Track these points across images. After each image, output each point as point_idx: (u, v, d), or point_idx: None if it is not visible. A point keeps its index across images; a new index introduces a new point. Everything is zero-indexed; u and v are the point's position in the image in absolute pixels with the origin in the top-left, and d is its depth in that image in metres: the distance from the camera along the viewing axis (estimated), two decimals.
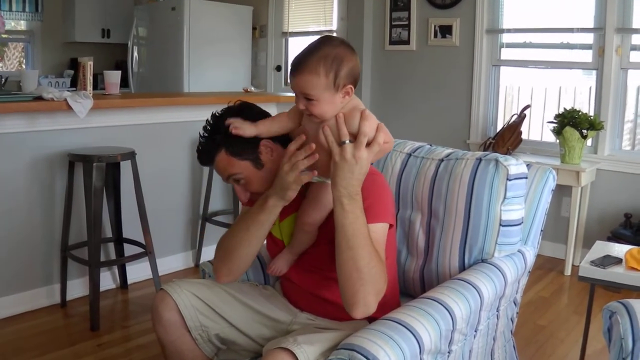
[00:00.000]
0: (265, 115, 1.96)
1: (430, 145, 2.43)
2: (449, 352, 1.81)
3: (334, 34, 6.29)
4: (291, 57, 6.81)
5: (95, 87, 3.81)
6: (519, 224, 2.18)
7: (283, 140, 1.92)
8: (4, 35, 7.43)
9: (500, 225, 2.12)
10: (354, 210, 1.68)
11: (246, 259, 1.96)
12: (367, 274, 1.68)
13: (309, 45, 1.70)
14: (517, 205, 2.15)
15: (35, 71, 3.85)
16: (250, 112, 1.94)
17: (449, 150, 2.33)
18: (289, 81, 1.70)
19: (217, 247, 2.01)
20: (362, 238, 1.69)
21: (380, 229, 1.84)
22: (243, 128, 1.81)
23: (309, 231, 1.94)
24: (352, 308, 1.71)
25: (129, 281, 4.03)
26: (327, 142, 1.65)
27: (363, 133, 1.64)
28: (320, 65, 1.65)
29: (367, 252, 1.69)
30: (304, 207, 1.93)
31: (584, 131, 4.33)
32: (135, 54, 6.92)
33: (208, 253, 4.42)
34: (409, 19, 5.58)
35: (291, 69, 1.69)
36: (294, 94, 1.73)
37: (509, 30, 5.11)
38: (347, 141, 1.64)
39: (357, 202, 1.69)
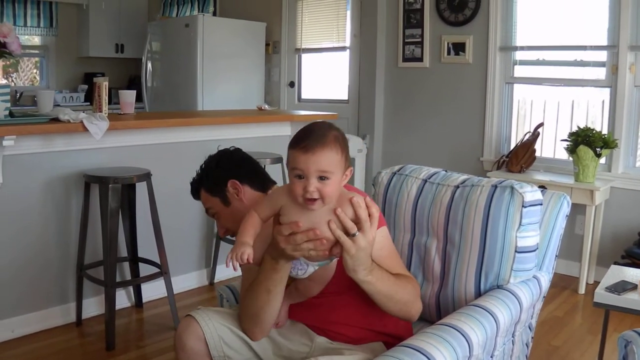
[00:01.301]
0: (245, 159, 2.31)
1: (446, 171, 2.44)
2: None
3: (347, 51, 6.35)
4: (305, 73, 6.84)
5: (109, 102, 3.84)
6: (534, 250, 2.18)
7: (253, 181, 2.21)
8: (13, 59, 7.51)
9: (516, 251, 2.13)
10: (377, 276, 1.77)
11: (274, 314, 1.94)
12: (412, 300, 1.91)
13: (312, 127, 1.68)
14: (532, 232, 2.16)
15: (51, 92, 3.88)
16: (231, 158, 2.30)
17: (465, 177, 2.34)
18: (296, 160, 1.63)
19: (242, 312, 1.99)
20: (395, 287, 1.84)
21: (382, 237, 1.87)
22: (246, 254, 1.70)
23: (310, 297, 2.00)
24: (411, 321, 2.01)
25: (144, 299, 4.06)
26: (336, 236, 1.65)
27: (365, 220, 1.66)
28: (338, 143, 1.65)
29: (404, 291, 1.87)
30: (306, 284, 1.93)
31: (598, 149, 4.32)
32: (149, 68, 6.97)
33: (222, 271, 4.44)
34: (422, 36, 5.61)
35: (306, 147, 1.61)
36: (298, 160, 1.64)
37: (522, 48, 5.13)
38: (357, 233, 1.65)
39: (375, 268, 1.77)
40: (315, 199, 1.61)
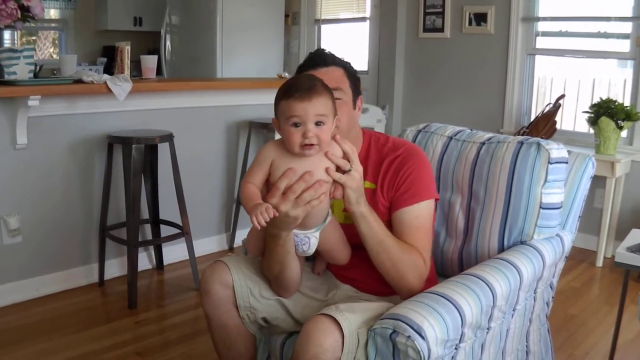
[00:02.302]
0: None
1: (471, 129, 2.45)
2: (488, 329, 1.84)
3: (367, 22, 6.32)
4: (324, 44, 6.83)
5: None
6: (559, 208, 2.19)
7: None
8: (35, 24, 7.51)
9: (541, 207, 2.13)
10: (371, 214, 1.85)
11: (295, 275, 1.97)
12: (403, 266, 1.87)
13: (300, 79, 1.78)
14: (557, 189, 2.17)
15: (73, 56, 3.91)
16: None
17: (490, 135, 2.35)
18: (293, 109, 1.69)
19: (266, 275, 2.04)
20: (388, 238, 1.87)
21: (424, 208, 1.95)
22: (270, 209, 1.68)
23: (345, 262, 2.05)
24: (399, 293, 1.93)
25: (165, 262, 4.11)
26: (336, 178, 1.73)
27: (351, 152, 1.76)
28: (327, 90, 1.75)
29: (397, 249, 1.87)
30: (332, 256, 2.02)
31: (620, 122, 4.30)
32: (168, 42, 6.96)
33: (242, 236, 4.44)
34: (443, 6, 5.56)
35: (301, 96, 1.69)
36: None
37: (544, 19, 5.09)
38: (351, 167, 1.75)
39: (367, 204, 1.85)
40: (313, 144, 1.68)
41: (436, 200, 2.03)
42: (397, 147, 2.03)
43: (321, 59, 2.00)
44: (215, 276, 2.00)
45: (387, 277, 1.90)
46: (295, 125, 1.69)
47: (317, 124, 1.69)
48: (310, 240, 1.86)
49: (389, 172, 1.98)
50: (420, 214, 1.94)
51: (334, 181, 1.74)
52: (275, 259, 1.89)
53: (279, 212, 1.68)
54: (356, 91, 2.03)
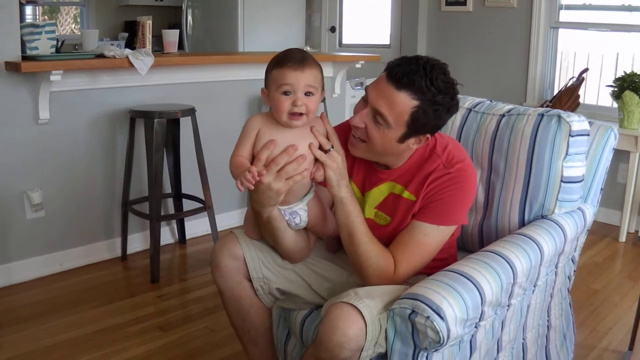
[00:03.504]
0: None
1: (491, 101, 2.42)
2: (508, 306, 1.83)
3: None
4: (346, 18, 6.77)
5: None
6: (580, 181, 2.16)
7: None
8: (57, 0, 7.53)
9: (562, 181, 2.10)
10: (352, 203, 1.84)
11: (293, 246, 1.99)
12: (369, 267, 1.84)
13: (292, 51, 1.79)
14: (578, 162, 2.13)
15: (95, 31, 3.92)
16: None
17: (510, 106, 2.32)
18: (286, 77, 1.73)
19: None
20: (362, 234, 1.84)
21: (440, 231, 1.89)
22: (254, 171, 1.71)
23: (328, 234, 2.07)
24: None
25: (187, 237, 4.13)
26: (317, 156, 1.78)
27: (333, 133, 1.86)
28: (317, 64, 1.80)
29: (368, 248, 1.84)
30: (316, 231, 2.02)
31: None
32: (189, 16, 6.94)
33: None
34: None
35: (294, 65, 1.74)
36: (301, 87, 1.75)
37: None
38: (331, 147, 1.81)
39: (350, 191, 1.85)
40: (301, 114, 1.74)
41: (462, 224, 1.97)
42: (450, 164, 1.90)
43: (399, 75, 1.79)
44: (225, 249, 2.03)
45: (353, 268, 1.92)
46: (286, 93, 1.74)
47: (307, 94, 1.75)
48: (299, 213, 1.90)
49: (431, 185, 1.88)
50: (432, 234, 1.87)
51: (316, 161, 1.78)
52: (266, 233, 1.96)
53: (261, 182, 1.72)
54: (416, 130, 1.82)
